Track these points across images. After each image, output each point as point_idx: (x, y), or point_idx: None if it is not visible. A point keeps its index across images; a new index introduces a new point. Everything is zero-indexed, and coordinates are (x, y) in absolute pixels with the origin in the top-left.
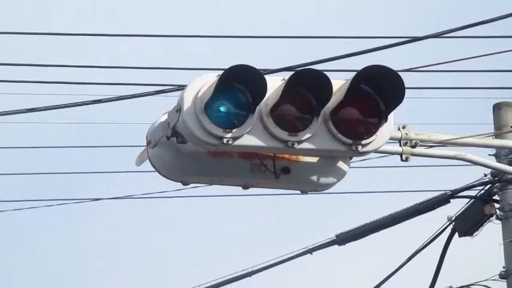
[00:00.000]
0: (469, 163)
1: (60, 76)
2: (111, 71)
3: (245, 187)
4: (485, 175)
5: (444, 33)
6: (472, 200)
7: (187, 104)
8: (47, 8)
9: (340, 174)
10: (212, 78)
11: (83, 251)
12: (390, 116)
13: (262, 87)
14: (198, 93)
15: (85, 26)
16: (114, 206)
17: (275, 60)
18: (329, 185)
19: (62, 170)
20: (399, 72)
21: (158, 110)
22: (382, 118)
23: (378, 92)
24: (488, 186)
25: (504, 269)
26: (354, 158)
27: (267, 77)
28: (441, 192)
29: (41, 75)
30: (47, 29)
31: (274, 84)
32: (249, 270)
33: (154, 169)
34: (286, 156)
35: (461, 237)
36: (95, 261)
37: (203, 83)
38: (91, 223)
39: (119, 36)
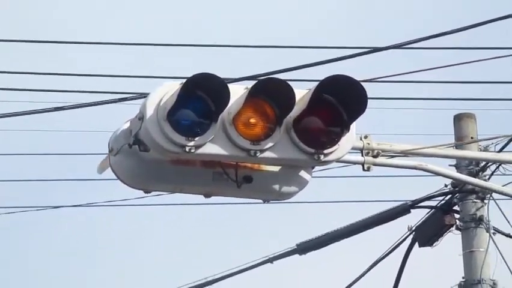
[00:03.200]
0: (429, 173)
1: (23, 83)
2: (73, 78)
3: (207, 196)
4: (446, 185)
5: (405, 44)
6: (432, 210)
7: (150, 112)
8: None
9: (302, 184)
10: (175, 86)
11: (44, 260)
12: (353, 126)
13: (225, 96)
14: (160, 101)
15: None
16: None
17: (241, 70)
18: (291, 194)
19: (23, 178)
20: (361, 83)
21: (121, 118)
22: (344, 128)
23: (340, 101)
24: (449, 196)
25: (463, 279)
26: (316, 167)
27: (229, 85)
28: (402, 202)
29: (4, 82)
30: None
31: (237, 92)
32: (210, 278)
33: (116, 177)
34: (249, 165)
35: (421, 247)
36: (54, 270)
37: (166, 91)
38: (51, 231)
39: (83, 44)
